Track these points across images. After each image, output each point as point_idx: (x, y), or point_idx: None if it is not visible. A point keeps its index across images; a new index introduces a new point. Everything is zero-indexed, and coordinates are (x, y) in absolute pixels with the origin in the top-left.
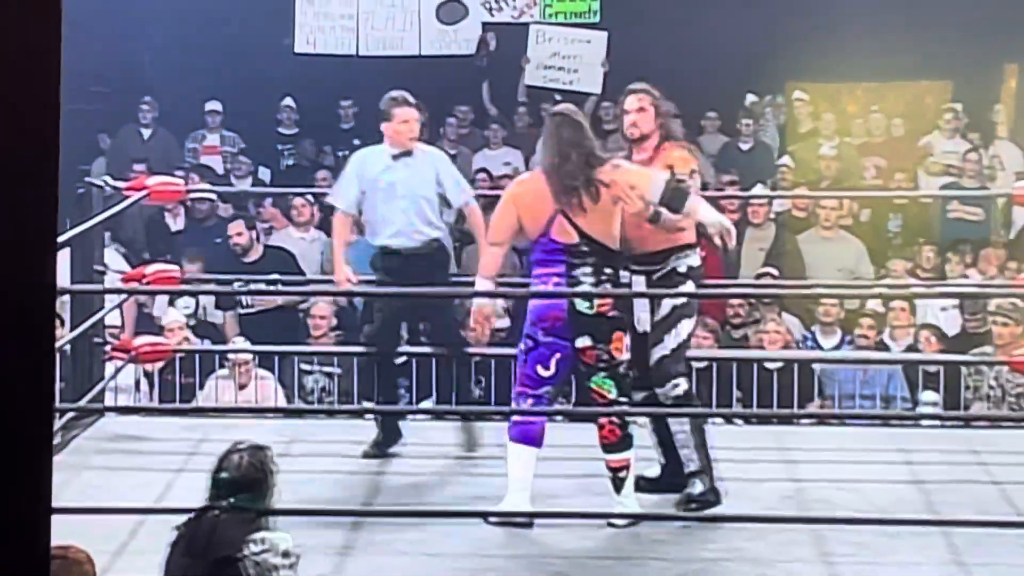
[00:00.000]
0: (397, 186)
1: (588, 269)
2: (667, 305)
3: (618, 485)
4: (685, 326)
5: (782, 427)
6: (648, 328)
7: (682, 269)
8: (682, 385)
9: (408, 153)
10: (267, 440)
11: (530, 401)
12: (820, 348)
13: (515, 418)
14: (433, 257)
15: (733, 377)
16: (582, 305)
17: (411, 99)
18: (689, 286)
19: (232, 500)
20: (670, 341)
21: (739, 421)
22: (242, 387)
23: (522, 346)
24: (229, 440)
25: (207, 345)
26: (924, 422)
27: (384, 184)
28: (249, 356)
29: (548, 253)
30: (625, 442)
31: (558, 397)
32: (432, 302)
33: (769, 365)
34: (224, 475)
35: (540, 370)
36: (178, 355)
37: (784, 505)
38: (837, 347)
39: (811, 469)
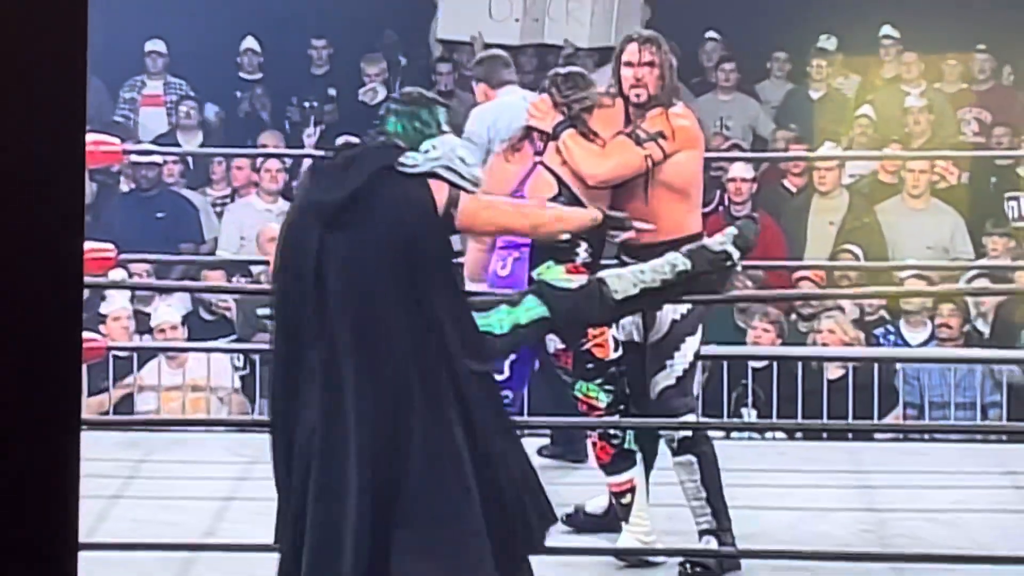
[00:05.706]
0: None
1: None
2: (665, 321)
3: (623, 513)
4: (690, 345)
5: (858, 443)
6: (636, 337)
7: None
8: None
9: None
10: (225, 458)
11: None
12: (905, 343)
13: None
14: None
15: (798, 380)
16: (551, 275)
17: None
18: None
19: None
20: (676, 367)
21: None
22: (179, 364)
23: None
24: (176, 460)
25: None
26: None
27: None
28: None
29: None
30: (624, 459)
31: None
32: None
33: (830, 376)
34: None
35: None
36: (112, 353)
37: (862, 540)
38: (926, 343)
39: (894, 495)
